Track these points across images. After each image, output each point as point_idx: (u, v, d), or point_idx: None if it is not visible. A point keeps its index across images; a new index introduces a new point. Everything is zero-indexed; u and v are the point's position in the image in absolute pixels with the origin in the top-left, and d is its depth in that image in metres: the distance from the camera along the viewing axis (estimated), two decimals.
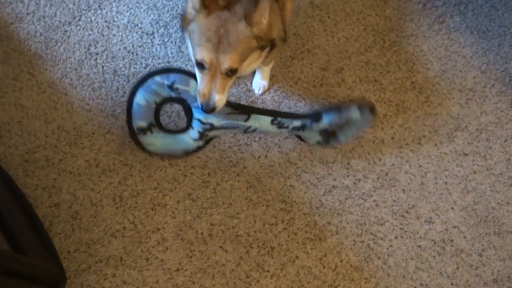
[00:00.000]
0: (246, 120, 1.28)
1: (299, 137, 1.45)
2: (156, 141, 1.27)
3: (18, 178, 1.45)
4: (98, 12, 1.74)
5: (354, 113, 1.35)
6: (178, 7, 1.77)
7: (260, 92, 1.60)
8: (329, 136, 1.40)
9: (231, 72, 1.09)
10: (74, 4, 1.75)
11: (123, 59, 1.67)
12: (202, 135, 1.27)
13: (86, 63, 1.65)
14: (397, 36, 1.78)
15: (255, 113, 1.28)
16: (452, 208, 1.53)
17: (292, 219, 1.47)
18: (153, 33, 1.72)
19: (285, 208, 1.48)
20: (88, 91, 1.61)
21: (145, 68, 1.66)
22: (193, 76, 1.21)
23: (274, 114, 1.31)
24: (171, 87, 1.23)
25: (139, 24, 1.73)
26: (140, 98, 1.23)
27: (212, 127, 1.26)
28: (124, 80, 1.63)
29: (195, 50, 1.08)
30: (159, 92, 1.24)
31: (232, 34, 1.03)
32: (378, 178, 1.55)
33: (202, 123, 1.25)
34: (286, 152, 1.56)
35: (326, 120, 1.35)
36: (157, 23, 1.74)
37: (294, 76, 1.67)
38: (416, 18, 1.83)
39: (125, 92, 1.61)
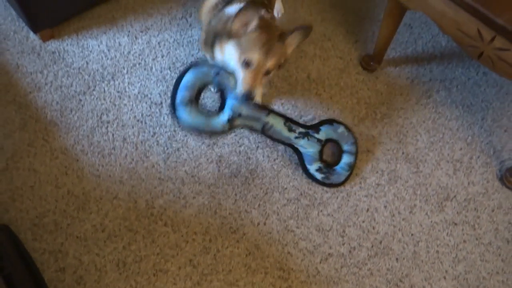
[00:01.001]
0: (266, 116, 1.55)
1: (302, 162, 1.68)
2: (191, 115, 1.48)
3: (27, 241, 1.51)
4: (111, 83, 1.89)
5: (341, 128, 1.69)
6: None
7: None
8: (328, 166, 1.69)
9: (267, 73, 1.42)
10: (89, 76, 1.90)
11: (132, 127, 1.79)
12: (229, 121, 1.50)
13: (97, 131, 1.76)
14: (388, 109, 1.92)
15: (274, 113, 1.57)
16: (444, 278, 1.58)
17: (289, 287, 1.51)
18: (161, 103, 1.85)
19: (282, 276, 1.53)
20: (98, 157, 1.70)
21: (152, 136, 1.77)
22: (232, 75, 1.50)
23: (286, 118, 1.60)
24: (217, 74, 1.48)
25: (149, 95, 1.87)
26: (190, 76, 1.47)
27: (240, 115, 1.50)
28: (133, 148, 1.74)
29: (245, 53, 1.39)
30: (206, 76, 1.48)
31: (275, 47, 1.40)
32: (372, 247, 1.61)
33: (233, 111, 1.49)
34: (284, 219, 1.63)
35: (323, 130, 1.66)
36: (165, 93, 1.88)
37: None
38: (405, 92, 1.97)
39: (132, 159, 1.71)
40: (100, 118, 1.80)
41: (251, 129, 1.58)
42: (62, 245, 1.52)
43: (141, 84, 1.89)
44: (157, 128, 1.79)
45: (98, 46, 1.98)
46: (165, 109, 1.84)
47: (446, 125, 1.90)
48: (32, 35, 1.98)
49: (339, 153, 1.71)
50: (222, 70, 1.48)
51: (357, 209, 1.68)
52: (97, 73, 1.91)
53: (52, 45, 1.97)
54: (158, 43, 2.01)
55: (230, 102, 1.50)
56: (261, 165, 1.74)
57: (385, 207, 1.69)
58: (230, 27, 1.41)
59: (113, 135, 1.76)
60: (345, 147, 1.70)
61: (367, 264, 1.58)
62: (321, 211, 1.66)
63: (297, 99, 1.90)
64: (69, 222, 1.57)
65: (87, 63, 1.93)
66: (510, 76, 1.45)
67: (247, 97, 1.39)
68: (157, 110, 1.83)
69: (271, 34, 1.40)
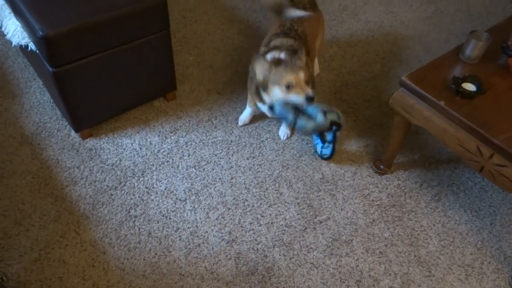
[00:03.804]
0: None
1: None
2: (285, 109, 1.87)
3: None
4: (141, 179, 2.05)
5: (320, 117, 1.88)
6: (209, 177, 2.07)
7: (284, 138, 2.25)
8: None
9: (307, 82, 1.84)
10: (121, 171, 2.07)
11: (158, 222, 1.91)
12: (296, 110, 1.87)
13: (125, 224, 1.89)
14: (399, 212, 2.02)
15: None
16: None
17: None
18: (185, 199, 1.99)
19: None
20: (124, 251, 1.81)
21: (176, 231, 1.88)
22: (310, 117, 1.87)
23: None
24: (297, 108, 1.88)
25: (174, 191, 2.02)
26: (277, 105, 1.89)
27: (299, 110, 1.86)
28: (157, 242, 1.84)
29: (281, 81, 1.83)
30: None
31: (294, 64, 1.86)
32: None
33: (298, 110, 1.87)
34: None
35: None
36: (189, 190, 2.02)
37: (308, 245, 1.87)
38: (414, 195, 2.09)
39: (156, 253, 1.81)
40: (129, 212, 1.93)
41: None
42: None
43: (168, 181, 2.05)
44: (181, 224, 1.91)
45: (131, 144, 2.19)
46: (189, 205, 1.97)
47: (456, 229, 1.98)
48: (73, 133, 2.21)
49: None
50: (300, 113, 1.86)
51: None
52: (129, 170, 2.08)
53: (90, 142, 2.19)
54: (186, 143, 2.21)
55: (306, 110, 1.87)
56: (277, 264, 1.81)
57: None
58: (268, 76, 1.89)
59: (139, 229, 1.88)
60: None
61: None
62: None
63: (312, 199, 2.03)
64: None
65: (120, 160, 2.12)
66: (511, 190, 1.57)
67: (309, 99, 1.80)
68: (181, 206, 1.97)
69: (285, 61, 1.86)
